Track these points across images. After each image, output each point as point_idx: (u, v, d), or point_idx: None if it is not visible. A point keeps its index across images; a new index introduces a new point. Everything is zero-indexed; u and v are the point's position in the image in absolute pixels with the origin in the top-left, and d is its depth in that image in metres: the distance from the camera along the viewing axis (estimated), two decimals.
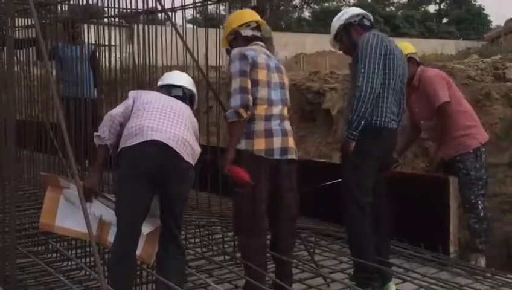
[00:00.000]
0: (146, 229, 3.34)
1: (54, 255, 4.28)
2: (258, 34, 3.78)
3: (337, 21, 4.06)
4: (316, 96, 8.47)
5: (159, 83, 3.80)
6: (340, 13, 4.17)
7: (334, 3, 46.88)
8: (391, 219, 4.00)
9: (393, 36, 32.26)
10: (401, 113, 3.95)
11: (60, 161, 5.20)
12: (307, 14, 48.70)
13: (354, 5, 43.02)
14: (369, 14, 4.08)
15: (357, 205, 3.73)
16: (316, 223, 5.33)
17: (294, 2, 48.62)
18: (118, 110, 3.45)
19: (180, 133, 3.29)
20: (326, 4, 46.43)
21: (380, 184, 3.88)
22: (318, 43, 25.38)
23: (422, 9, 49.09)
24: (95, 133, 3.44)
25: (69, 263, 4.17)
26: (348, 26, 3.99)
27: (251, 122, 3.48)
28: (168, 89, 3.68)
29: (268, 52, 3.69)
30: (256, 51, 3.60)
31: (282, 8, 46.98)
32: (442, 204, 4.70)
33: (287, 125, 3.62)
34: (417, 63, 4.87)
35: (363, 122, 3.66)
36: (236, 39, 3.79)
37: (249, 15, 3.88)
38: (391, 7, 48.77)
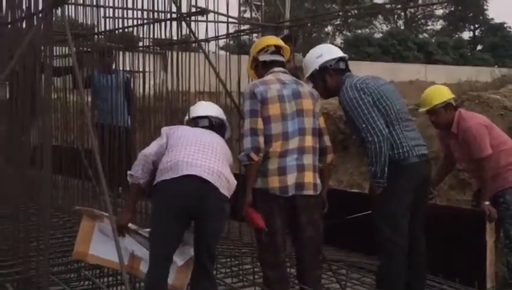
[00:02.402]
0: (180, 260, 3.35)
1: (86, 283, 4.29)
2: (278, 58, 3.75)
3: (311, 63, 3.88)
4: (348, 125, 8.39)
5: (186, 118, 3.83)
6: (316, 52, 3.92)
7: (367, 30, 46.87)
8: (426, 253, 3.92)
9: (426, 63, 32.13)
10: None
11: (94, 188, 5.25)
12: (339, 40, 48.79)
13: (387, 32, 42.94)
14: (345, 56, 3.92)
15: (389, 243, 3.67)
16: (348, 255, 5.25)
17: (326, 29, 48.77)
18: (152, 149, 3.48)
19: (215, 166, 3.29)
20: (359, 31, 46.44)
21: (416, 218, 3.80)
22: (352, 71, 25.30)
23: (456, 36, 48.71)
24: (128, 172, 3.48)
25: None
26: (322, 71, 3.83)
27: (266, 160, 3.49)
28: (195, 122, 3.70)
29: (286, 79, 3.64)
30: (268, 84, 3.56)
31: (314, 35, 47.13)
32: (478, 238, 4.57)
33: (307, 159, 3.55)
34: (454, 108, 4.65)
35: (386, 168, 3.60)
36: (257, 66, 3.80)
37: (267, 40, 3.88)
38: (424, 34, 48.51)
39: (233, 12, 5.28)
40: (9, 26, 4.44)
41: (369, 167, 3.71)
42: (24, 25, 4.29)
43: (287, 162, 3.49)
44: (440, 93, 4.49)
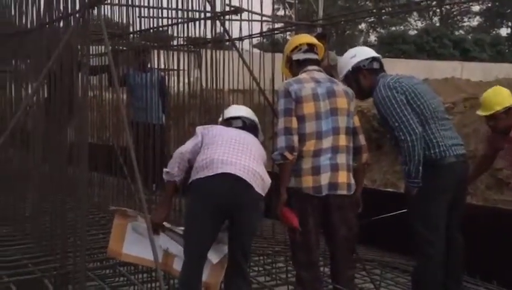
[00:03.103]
0: (214, 258, 3.37)
1: (121, 279, 4.35)
2: (311, 56, 3.74)
3: (345, 65, 3.89)
4: None
5: (220, 120, 3.85)
6: (349, 54, 3.94)
7: (401, 27, 46.29)
8: (463, 255, 3.86)
9: (462, 60, 31.57)
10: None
11: (129, 186, 5.31)
12: (373, 38, 48.35)
13: (422, 28, 42.32)
14: (378, 56, 3.91)
15: (426, 244, 3.63)
16: (382, 254, 5.20)
17: (360, 27, 48.36)
18: (187, 147, 3.50)
19: (250, 165, 3.30)
20: (393, 28, 45.90)
21: (453, 218, 3.75)
22: (386, 68, 25.05)
23: (494, 32, 47.75)
24: (164, 170, 3.51)
25: (135, 288, 4.23)
26: (355, 71, 3.82)
27: (299, 159, 3.47)
28: (229, 122, 3.71)
29: (320, 77, 3.63)
30: (302, 82, 3.55)
31: (347, 32, 46.81)
32: None
33: (341, 158, 3.52)
34: None
35: (420, 167, 3.55)
36: (291, 65, 3.79)
37: (300, 39, 3.87)
38: (460, 31, 47.70)
39: (267, 10, 5.28)
40: (47, 26, 4.51)
41: (403, 167, 3.67)
42: (61, 25, 4.36)
43: (321, 161, 3.47)
44: (502, 98, 4.36)
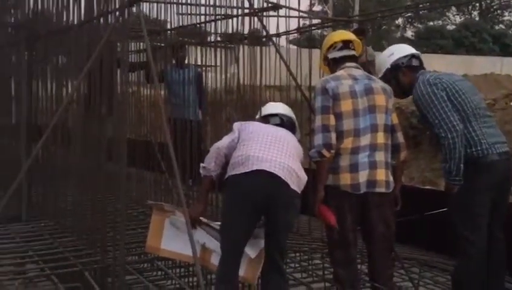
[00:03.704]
0: (252, 252, 3.38)
1: (159, 273, 4.40)
2: (347, 53, 3.71)
3: (383, 63, 3.85)
4: None
5: (257, 117, 3.86)
6: (387, 52, 3.91)
7: (439, 21, 45.53)
8: (505, 254, 3.78)
9: (502, 56, 30.86)
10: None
11: (166, 181, 5.37)
12: (410, 33, 47.68)
13: (461, 23, 41.55)
14: (418, 53, 3.85)
15: (467, 243, 3.56)
16: (420, 253, 5.14)
17: (397, 22, 47.75)
18: (224, 142, 3.52)
19: (286, 162, 3.29)
20: (431, 23, 45.20)
21: (496, 217, 3.66)
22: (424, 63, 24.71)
23: None
24: (201, 165, 3.54)
25: (172, 282, 4.28)
26: (394, 69, 3.78)
27: (337, 157, 3.45)
28: (266, 119, 3.72)
29: (358, 74, 3.60)
30: (339, 79, 3.52)
31: (384, 27, 46.28)
32: None
33: (379, 156, 3.49)
34: None
35: (461, 165, 3.48)
36: (329, 64, 3.78)
37: (333, 37, 3.84)
38: (501, 25, 46.68)
39: (303, 7, 5.25)
40: (87, 24, 4.58)
41: (443, 164, 3.60)
42: (101, 22, 4.42)
43: (359, 159, 3.44)
44: None
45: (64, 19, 5.05)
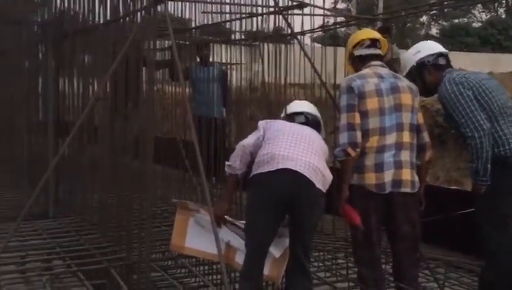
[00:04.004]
0: (276, 252, 3.38)
1: (183, 270, 4.43)
2: (374, 51, 3.67)
3: (409, 60, 3.80)
4: None
5: (282, 115, 3.85)
6: (413, 49, 3.86)
7: (465, 19, 44.96)
8: None
9: None
10: None
11: (191, 179, 5.39)
12: (434, 30, 47.16)
13: (487, 20, 40.97)
14: (446, 51, 3.78)
15: (495, 245, 3.52)
16: (445, 253, 5.09)
17: (421, 19, 47.25)
18: (249, 140, 3.52)
19: (311, 160, 3.28)
20: (456, 20, 44.65)
21: None
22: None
23: None
24: (227, 163, 3.54)
25: (196, 280, 4.30)
26: (420, 67, 3.73)
27: (362, 156, 3.42)
28: (291, 118, 3.71)
29: (384, 73, 3.57)
30: (365, 77, 3.49)
31: (408, 25, 45.83)
32: None
33: (404, 155, 3.45)
34: None
35: (489, 165, 3.43)
36: (354, 61, 3.74)
37: (361, 34, 3.80)
38: None
39: (327, 4, 5.24)
40: (113, 22, 4.63)
41: (470, 164, 3.56)
42: (127, 21, 4.46)
43: (385, 158, 3.41)
44: None
45: (91, 18, 5.11)
